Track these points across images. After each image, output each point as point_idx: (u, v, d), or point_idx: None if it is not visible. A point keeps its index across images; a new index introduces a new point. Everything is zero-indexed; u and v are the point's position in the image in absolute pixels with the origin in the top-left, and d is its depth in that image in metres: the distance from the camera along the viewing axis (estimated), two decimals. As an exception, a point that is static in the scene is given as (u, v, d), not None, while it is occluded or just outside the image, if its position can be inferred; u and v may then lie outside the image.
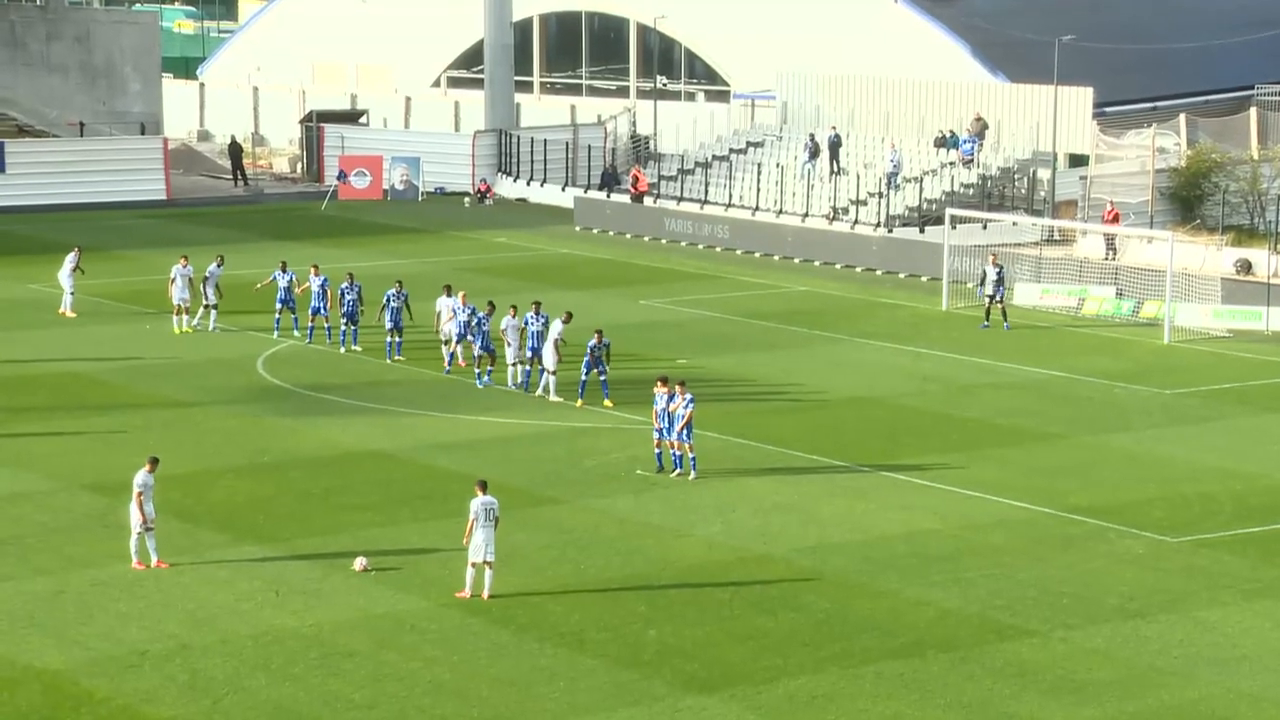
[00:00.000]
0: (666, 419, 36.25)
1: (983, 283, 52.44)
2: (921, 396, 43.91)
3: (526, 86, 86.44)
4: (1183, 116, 69.20)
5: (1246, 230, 62.87)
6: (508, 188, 78.04)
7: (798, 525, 33.70)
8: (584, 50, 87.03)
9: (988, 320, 52.18)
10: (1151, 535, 33.31)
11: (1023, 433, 40.79)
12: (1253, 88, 75.80)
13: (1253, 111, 71.52)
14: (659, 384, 36.61)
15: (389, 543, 31.97)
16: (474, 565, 29.43)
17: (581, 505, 34.81)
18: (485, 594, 29.36)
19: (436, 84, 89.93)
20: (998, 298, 51.93)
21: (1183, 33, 78.05)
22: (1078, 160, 69.14)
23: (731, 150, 73.92)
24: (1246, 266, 57.61)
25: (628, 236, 68.52)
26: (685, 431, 36.15)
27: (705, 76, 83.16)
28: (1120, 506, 35.01)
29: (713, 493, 35.64)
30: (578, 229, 70.10)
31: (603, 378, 41.68)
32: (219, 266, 50.71)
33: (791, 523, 33.85)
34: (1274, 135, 70.73)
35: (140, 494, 30.53)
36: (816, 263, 63.18)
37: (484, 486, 29.61)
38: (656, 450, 36.64)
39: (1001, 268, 52.54)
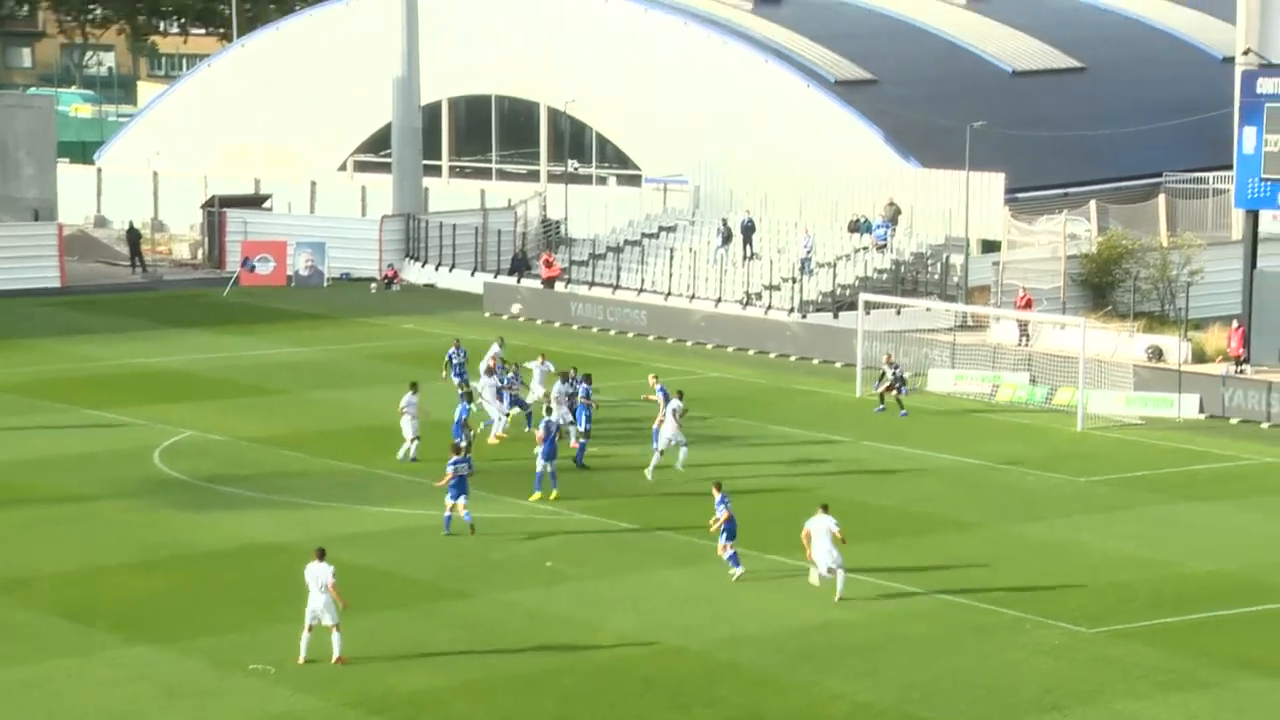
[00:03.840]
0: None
1: (881, 379, 52.37)
2: (836, 484, 43.36)
3: (435, 170, 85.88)
4: (1093, 203, 69.45)
5: (1157, 317, 62.99)
6: (415, 273, 77.29)
7: (712, 617, 33.05)
8: (494, 134, 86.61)
9: (883, 404, 51.94)
10: (1067, 625, 32.88)
11: (937, 521, 40.33)
12: (1161, 175, 76.34)
13: (1161, 198, 71.94)
14: (714, 489, 36.60)
15: (289, 639, 30.95)
16: (311, 629, 29.80)
17: (489, 599, 34.02)
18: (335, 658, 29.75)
19: (343, 168, 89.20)
20: (901, 392, 51.79)
21: (1093, 120, 78.59)
22: (990, 246, 69.18)
23: (644, 235, 73.56)
24: (1158, 353, 57.63)
25: (538, 322, 67.87)
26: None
27: (616, 160, 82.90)
28: (1036, 596, 34.57)
29: (625, 585, 34.94)
30: (487, 315, 69.42)
31: (551, 470, 41.16)
32: (415, 395, 44.73)
33: (705, 615, 33.19)
34: (1183, 222, 71.12)
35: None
36: (730, 348, 62.74)
37: (321, 555, 30.52)
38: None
39: (897, 365, 52.46)
